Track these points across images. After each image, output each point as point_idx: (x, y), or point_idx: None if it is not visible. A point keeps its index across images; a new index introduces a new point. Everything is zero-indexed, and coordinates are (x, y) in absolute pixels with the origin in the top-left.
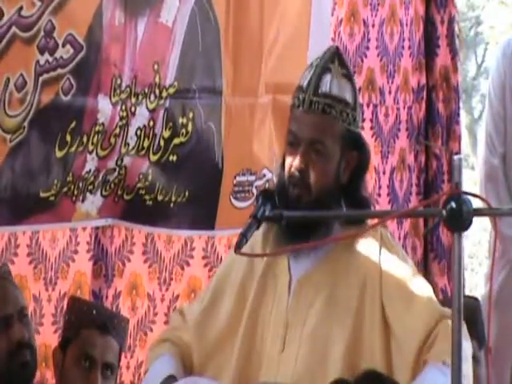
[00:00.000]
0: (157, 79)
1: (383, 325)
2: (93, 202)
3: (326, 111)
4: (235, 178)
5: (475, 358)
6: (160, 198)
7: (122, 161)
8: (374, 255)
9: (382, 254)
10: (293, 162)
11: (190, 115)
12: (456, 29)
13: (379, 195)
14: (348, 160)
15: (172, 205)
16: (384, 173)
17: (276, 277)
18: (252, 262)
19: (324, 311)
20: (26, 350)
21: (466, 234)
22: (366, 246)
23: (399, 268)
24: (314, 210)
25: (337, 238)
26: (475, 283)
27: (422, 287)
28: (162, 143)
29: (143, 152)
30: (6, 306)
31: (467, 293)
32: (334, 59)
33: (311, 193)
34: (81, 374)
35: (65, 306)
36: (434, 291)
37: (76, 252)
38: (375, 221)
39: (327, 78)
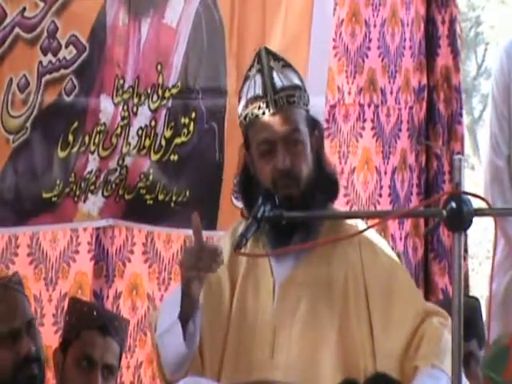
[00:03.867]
0: (160, 80)
1: (370, 321)
2: (94, 202)
3: (290, 101)
4: (236, 178)
5: (475, 358)
6: (161, 197)
7: (123, 160)
8: (354, 251)
9: (363, 250)
10: (276, 166)
11: (193, 115)
12: (458, 29)
13: (380, 195)
14: (313, 142)
15: (173, 204)
16: (385, 173)
17: (258, 280)
18: (232, 260)
19: (310, 313)
20: (33, 364)
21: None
22: (347, 242)
23: (381, 263)
24: (303, 202)
25: (336, 239)
26: (475, 283)
27: (405, 282)
28: (163, 143)
29: (144, 151)
30: (14, 320)
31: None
32: (269, 58)
33: (300, 186)
34: (81, 376)
35: (65, 307)
36: (435, 291)
37: (77, 252)
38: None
39: (275, 75)
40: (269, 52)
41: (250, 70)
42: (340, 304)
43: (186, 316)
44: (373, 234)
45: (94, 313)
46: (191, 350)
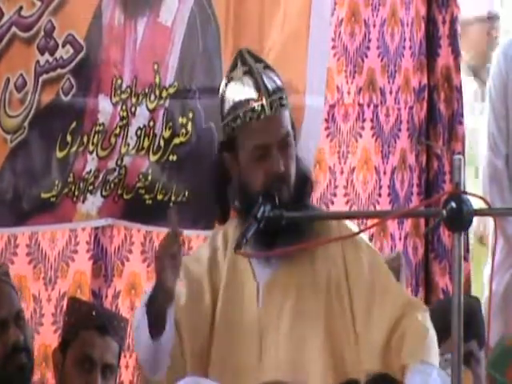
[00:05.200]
0: (157, 79)
1: (353, 316)
2: (93, 202)
3: (283, 104)
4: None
5: (475, 358)
6: (160, 197)
7: (122, 160)
8: (337, 248)
9: (345, 246)
10: (271, 169)
11: (190, 115)
12: (458, 29)
13: (380, 195)
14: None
15: (172, 204)
16: (385, 173)
17: (242, 284)
18: (212, 268)
19: (295, 313)
20: (21, 353)
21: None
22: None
23: (363, 259)
24: (292, 202)
25: (332, 239)
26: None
27: (385, 276)
28: (161, 143)
29: (143, 152)
30: (0, 309)
31: None
32: (253, 60)
33: (289, 187)
34: (80, 376)
35: (65, 306)
36: (435, 291)
37: (76, 252)
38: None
39: (264, 77)
40: (251, 54)
41: (232, 71)
42: (324, 302)
43: (161, 309)
44: (354, 230)
45: (93, 312)
46: (161, 342)
